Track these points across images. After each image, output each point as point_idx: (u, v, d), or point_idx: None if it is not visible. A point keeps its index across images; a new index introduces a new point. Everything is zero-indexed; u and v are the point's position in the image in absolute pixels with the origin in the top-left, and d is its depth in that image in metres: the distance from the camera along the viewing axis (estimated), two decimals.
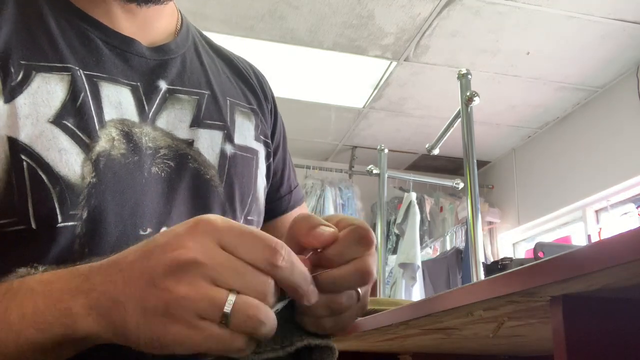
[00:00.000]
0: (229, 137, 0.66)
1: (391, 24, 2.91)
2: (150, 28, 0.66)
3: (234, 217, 0.64)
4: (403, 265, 3.53)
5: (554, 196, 3.87)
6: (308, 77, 3.48)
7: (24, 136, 0.50)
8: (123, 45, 0.62)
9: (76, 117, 0.54)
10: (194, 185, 0.61)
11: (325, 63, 3.30)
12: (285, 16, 2.86)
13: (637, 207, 3.29)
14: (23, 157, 0.50)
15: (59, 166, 0.51)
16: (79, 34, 0.60)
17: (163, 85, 0.63)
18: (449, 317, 0.55)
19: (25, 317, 0.42)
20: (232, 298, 0.38)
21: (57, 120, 0.52)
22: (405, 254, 3.54)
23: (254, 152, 0.69)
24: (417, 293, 3.57)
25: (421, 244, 4.20)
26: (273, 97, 0.80)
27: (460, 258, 3.86)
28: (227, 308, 0.37)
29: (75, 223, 0.51)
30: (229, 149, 0.65)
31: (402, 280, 3.57)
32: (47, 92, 0.53)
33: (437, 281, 3.89)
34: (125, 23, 0.63)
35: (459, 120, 1.83)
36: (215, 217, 0.41)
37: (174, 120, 0.62)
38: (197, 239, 0.39)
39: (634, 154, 3.23)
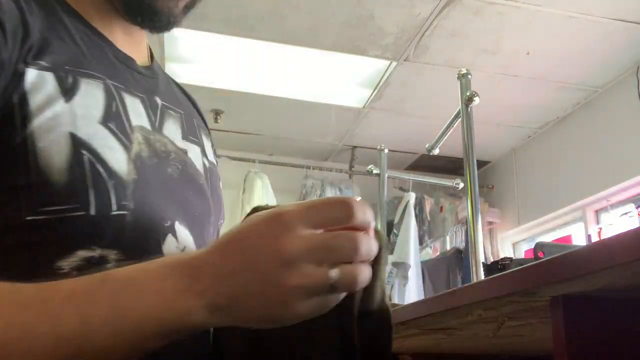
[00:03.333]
0: (203, 153, 0.76)
1: (391, 24, 2.91)
2: (139, 50, 0.74)
3: (216, 220, 0.74)
4: (396, 265, 3.53)
5: (554, 196, 3.87)
6: (308, 77, 3.48)
7: (82, 134, 0.57)
8: (127, 61, 0.69)
9: (116, 121, 0.61)
10: (193, 187, 0.70)
11: (325, 63, 3.30)
12: (285, 16, 2.86)
13: (637, 207, 3.29)
14: (83, 152, 0.57)
15: (112, 162, 0.58)
16: (97, 47, 0.66)
17: (159, 100, 0.71)
18: (449, 317, 0.55)
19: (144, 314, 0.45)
20: (334, 273, 0.44)
21: (104, 123, 0.60)
22: (398, 253, 3.55)
23: (216, 168, 0.80)
24: (413, 293, 3.57)
25: (421, 244, 4.20)
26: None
27: (460, 258, 3.86)
28: (331, 280, 0.44)
29: (125, 212, 0.58)
30: (206, 163, 0.75)
31: (395, 280, 3.57)
32: (92, 96, 0.60)
33: (437, 281, 3.88)
34: (124, 43, 0.70)
35: (459, 120, 1.83)
36: (289, 208, 0.46)
37: (173, 132, 0.70)
38: (290, 232, 0.45)
39: (634, 154, 3.22)
